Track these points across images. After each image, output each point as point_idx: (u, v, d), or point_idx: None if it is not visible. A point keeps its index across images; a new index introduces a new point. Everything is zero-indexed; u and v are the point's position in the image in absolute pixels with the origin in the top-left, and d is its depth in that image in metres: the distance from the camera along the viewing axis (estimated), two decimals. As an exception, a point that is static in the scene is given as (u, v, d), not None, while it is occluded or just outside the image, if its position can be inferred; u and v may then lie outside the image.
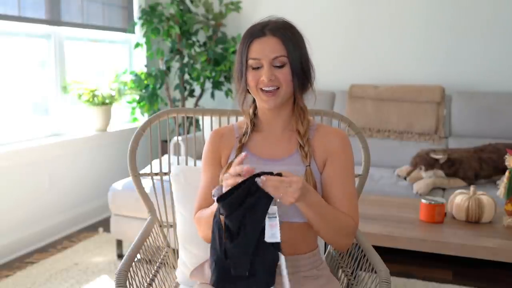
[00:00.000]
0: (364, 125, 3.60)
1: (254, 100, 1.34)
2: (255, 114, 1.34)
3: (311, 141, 1.29)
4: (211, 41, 3.94)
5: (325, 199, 1.26)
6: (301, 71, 1.24)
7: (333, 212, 1.22)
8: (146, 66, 4.05)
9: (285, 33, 1.23)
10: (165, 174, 1.67)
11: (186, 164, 1.76)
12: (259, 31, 1.23)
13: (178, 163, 1.82)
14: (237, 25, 4.12)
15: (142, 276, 1.35)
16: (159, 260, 1.58)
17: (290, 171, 1.21)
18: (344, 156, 1.28)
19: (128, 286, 1.19)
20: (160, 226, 1.65)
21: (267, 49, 1.21)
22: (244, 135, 1.33)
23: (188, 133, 4.04)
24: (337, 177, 1.26)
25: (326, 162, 1.28)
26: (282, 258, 1.10)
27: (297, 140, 1.29)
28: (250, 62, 1.23)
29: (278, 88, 1.23)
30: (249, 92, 1.29)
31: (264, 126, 1.33)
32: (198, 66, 3.92)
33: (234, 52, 3.91)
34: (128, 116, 4.01)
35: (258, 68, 1.23)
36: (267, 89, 1.22)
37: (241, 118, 1.66)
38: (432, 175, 2.94)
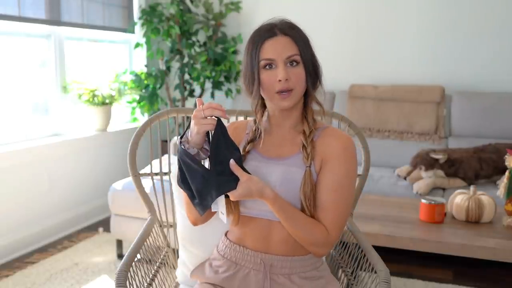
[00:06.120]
0: (364, 125, 3.60)
1: (263, 104, 1.31)
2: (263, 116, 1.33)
3: (314, 142, 1.25)
4: (211, 41, 3.94)
5: (315, 203, 1.23)
6: (313, 70, 1.24)
7: (300, 217, 1.20)
8: (146, 66, 4.05)
9: (295, 32, 1.23)
10: (165, 174, 1.67)
11: (186, 164, 1.76)
12: (268, 31, 1.22)
13: (178, 163, 1.82)
14: (237, 25, 4.12)
15: (142, 276, 1.35)
16: (159, 260, 1.58)
17: (290, 172, 1.22)
18: (340, 164, 1.22)
19: (128, 286, 1.19)
20: (160, 226, 1.65)
21: (280, 48, 1.20)
22: (251, 141, 1.31)
23: (188, 133, 4.03)
24: (327, 185, 1.21)
25: (321, 165, 1.23)
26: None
27: (301, 140, 1.26)
28: (263, 63, 1.20)
29: (292, 90, 1.21)
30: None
31: (272, 127, 1.31)
32: (198, 66, 3.92)
33: (234, 52, 3.91)
34: (128, 116, 4.01)
35: (271, 69, 1.21)
36: (283, 91, 1.20)
37: (241, 118, 1.66)
38: (432, 175, 2.94)
